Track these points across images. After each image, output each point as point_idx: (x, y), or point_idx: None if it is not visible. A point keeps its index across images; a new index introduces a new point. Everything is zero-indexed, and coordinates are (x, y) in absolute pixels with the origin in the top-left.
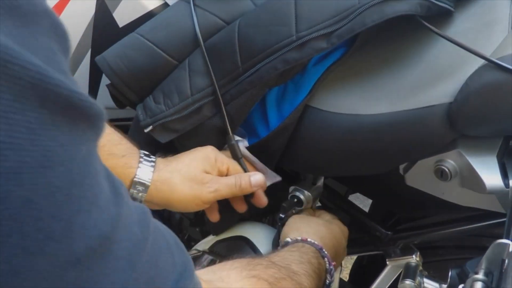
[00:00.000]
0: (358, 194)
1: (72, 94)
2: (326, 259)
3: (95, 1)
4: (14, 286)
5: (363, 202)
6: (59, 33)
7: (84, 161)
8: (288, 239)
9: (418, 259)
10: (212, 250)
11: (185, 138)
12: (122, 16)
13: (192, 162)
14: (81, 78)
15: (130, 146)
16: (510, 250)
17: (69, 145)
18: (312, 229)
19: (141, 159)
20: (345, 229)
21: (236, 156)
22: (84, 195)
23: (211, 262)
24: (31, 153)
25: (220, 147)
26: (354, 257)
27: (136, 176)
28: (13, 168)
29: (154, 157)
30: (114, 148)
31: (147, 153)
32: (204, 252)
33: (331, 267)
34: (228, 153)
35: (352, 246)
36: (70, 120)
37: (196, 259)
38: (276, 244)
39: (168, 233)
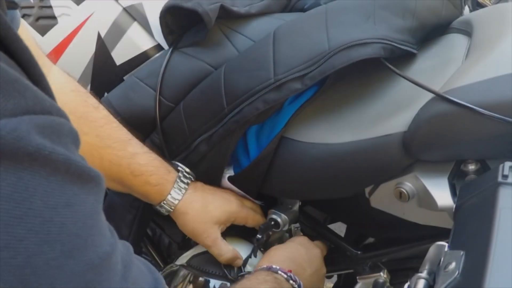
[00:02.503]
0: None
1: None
2: (280, 272)
3: (95, 41)
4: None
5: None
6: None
7: (93, 206)
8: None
9: (385, 276)
10: (189, 264)
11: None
12: (119, 55)
13: (212, 213)
14: None
15: (163, 175)
16: (445, 250)
17: (80, 195)
18: (266, 257)
19: (174, 186)
20: (304, 241)
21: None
22: (94, 224)
23: (187, 276)
24: (60, 199)
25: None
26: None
27: (163, 201)
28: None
29: (187, 185)
30: (149, 178)
31: (185, 176)
32: (181, 266)
33: (289, 274)
34: (249, 202)
35: (327, 265)
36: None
37: (173, 273)
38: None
39: (143, 262)
